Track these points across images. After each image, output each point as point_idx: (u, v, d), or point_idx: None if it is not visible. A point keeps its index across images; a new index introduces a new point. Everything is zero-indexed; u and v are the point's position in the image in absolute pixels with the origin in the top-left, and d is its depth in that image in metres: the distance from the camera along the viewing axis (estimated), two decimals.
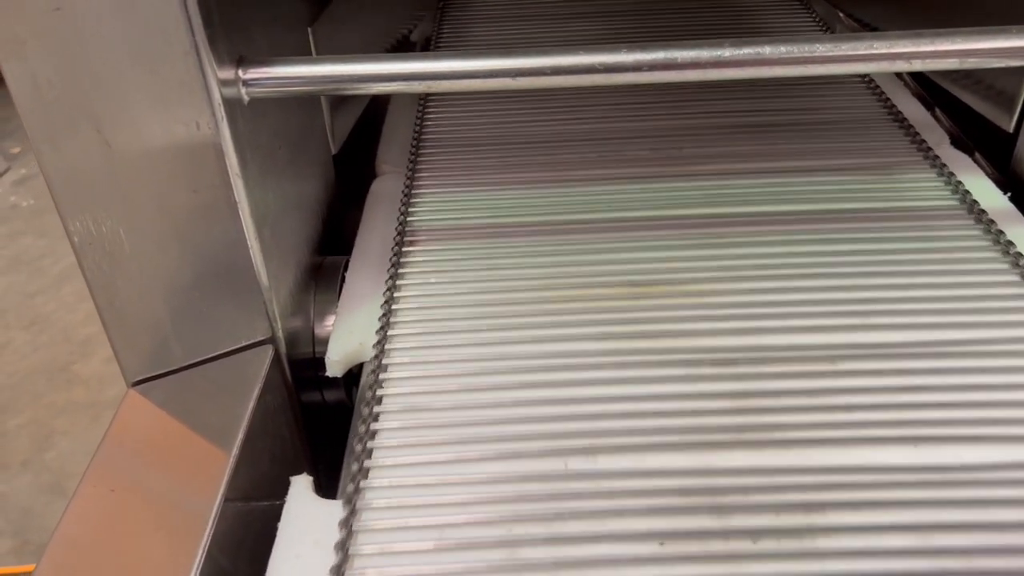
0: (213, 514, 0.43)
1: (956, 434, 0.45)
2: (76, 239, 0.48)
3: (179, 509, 0.45)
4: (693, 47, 0.46)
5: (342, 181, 0.73)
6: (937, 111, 0.87)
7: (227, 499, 0.44)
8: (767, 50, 0.45)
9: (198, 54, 0.43)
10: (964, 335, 0.51)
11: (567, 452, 0.45)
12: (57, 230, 0.48)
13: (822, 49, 0.45)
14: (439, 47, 0.88)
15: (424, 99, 0.80)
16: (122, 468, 0.48)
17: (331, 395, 0.60)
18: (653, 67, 0.46)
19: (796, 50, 0.45)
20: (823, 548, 0.40)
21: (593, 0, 0.98)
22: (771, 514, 0.41)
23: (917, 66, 0.46)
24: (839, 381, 0.48)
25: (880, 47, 0.45)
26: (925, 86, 0.87)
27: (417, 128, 0.76)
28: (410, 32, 0.91)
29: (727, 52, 0.45)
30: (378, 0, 0.80)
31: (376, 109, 0.83)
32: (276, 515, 0.45)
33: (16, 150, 2.21)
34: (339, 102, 0.70)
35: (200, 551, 0.41)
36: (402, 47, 0.91)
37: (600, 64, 0.46)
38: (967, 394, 0.47)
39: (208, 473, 0.46)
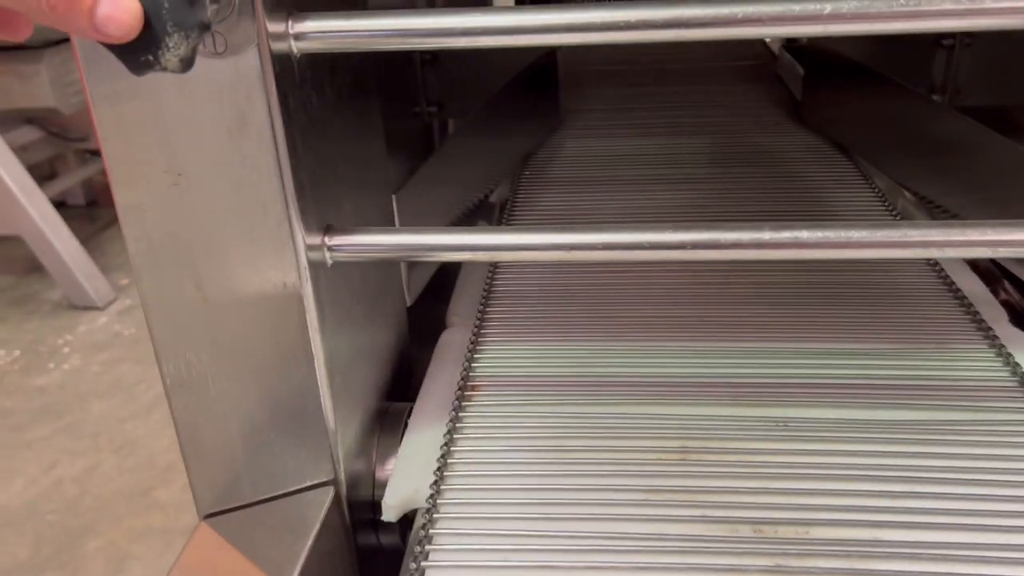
0: None
1: None
2: (168, 381, 0.53)
3: None
4: (735, 229, 0.50)
5: (414, 329, 0.77)
6: (1007, 284, 0.88)
7: None
8: (804, 235, 0.49)
9: (290, 224, 0.49)
10: (1011, 513, 0.51)
11: None
12: (152, 358, 0.53)
13: (857, 236, 0.48)
14: (513, 211, 0.95)
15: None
16: None
17: (387, 539, 0.63)
18: (696, 246, 0.50)
19: (832, 236, 0.49)
20: None
21: (664, 170, 1.04)
22: None
23: (949, 254, 0.48)
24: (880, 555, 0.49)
25: (913, 236, 0.48)
26: (995, 261, 0.88)
27: (487, 285, 0.81)
28: (488, 195, 0.98)
29: (767, 235, 0.49)
30: (459, 170, 0.88)
31: (451, 264, 0.89)
32: None
33: (124, 282, 2.38)
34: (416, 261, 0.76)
35: None
36: (481, 207, 0.98)
37: (647, 242, 0.50)
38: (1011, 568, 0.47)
39: None
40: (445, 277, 0.87)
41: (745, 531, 0.51)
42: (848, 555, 0.49)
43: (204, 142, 0.46)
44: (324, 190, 0.53)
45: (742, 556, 0.49)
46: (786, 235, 0.49)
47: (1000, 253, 0.48)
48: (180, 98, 0.45)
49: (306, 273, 0.50)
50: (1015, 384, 0.63)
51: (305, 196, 0.49)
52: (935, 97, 1.06)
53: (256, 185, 0.47)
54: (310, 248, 0.50)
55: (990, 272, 0.89)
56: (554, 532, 0.52)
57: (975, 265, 0.86)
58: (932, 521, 0.51)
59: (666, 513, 0.53)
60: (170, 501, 1.69)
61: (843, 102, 1.09)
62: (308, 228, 0.50)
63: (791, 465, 0.56)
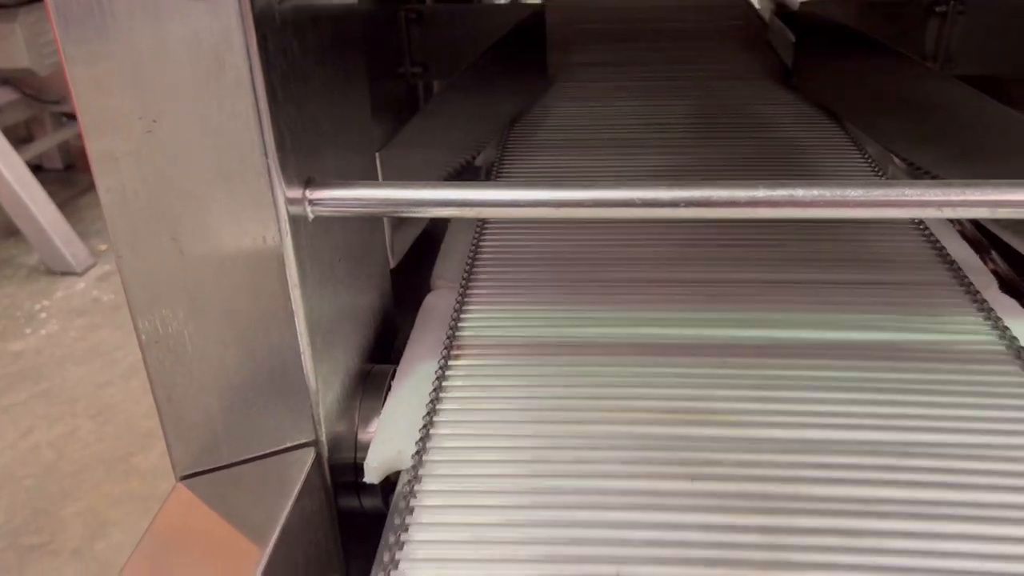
0: None
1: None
2: (144, 336, 0.51)
3: None
4: (729, 187, 0.48)
5: (398, 292, 0.76)
6: (993, 254, 0.88)
7: None
8: (800, 193, 0.47)
9: (269, 175, 0.47)
10: (997, 481, 0.51)
11: None
12: (132, 325, 0.52)
13: (853, 195, 0.47)
14: (500, 173, 0.93)
15: (482, 221, 0.84)
16: (161, 561, 0.50)
17: (369, 502, 0.62)
18: (689, 204, 0.48)
19: (828, 194, 0.47)
20: None
21: (653, 134, 1.03)
22: None
23: (948, 213, 0.47)
24: (873, 537, 0.48)
25: (910, 194, 0.47)
26: (983, 231, 0.88)
27: (474, 247, 0.80)
28: (474, 158, 0.97)
29: (761, 193, 0.48)
30: (444, 130, 0.86)
31: (437, 226, 0.87)
32: None
33: (103, 247, 2.35)
34: (401, 220, 0.75)
35: None
36: (466, 170, 0.96)
37: (639, 199, 0.49)
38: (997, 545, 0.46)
39: (240, 572, 0.48)
40: (430, 240, 0.85)
41: (733, 487, 0.50)
42: (837, 512, 0.48)
43: (180, 86, 0.44)
44: (305, 143, 0.51)
45: (731, 514, 0.49)
46: (781, 193, 0.48)
47: (999, 214, 0.47)
48: (156, 39, 0.43)
49: (286, 227, 0.48)
50: (1004, 348, 0.63)
51: (285, 147, 0.48)
52: (928, 64, 1.05)
53: (234, 132, 0.45)
54: (290, 202, 0.49)
55: (978, 241, 0.89)
56: (541, 491, 0.51)
57: (959, 229, 0.86)
58: (924, 479, 0.51)
59: (654, 470, 0.52)
60: (149, 467, 1.67)
61: (834, 68, 1.08)
62: (288, 180, 0.48)
63: (778, 414, 0.56)
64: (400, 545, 0.49)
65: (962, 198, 0.47)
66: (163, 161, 0.46)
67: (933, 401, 0.57)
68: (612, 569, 0.46)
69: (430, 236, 0.86)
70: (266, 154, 0.46)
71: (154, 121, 0.45)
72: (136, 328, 0.51)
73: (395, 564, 0.48)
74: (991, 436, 0.54)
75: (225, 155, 0.46)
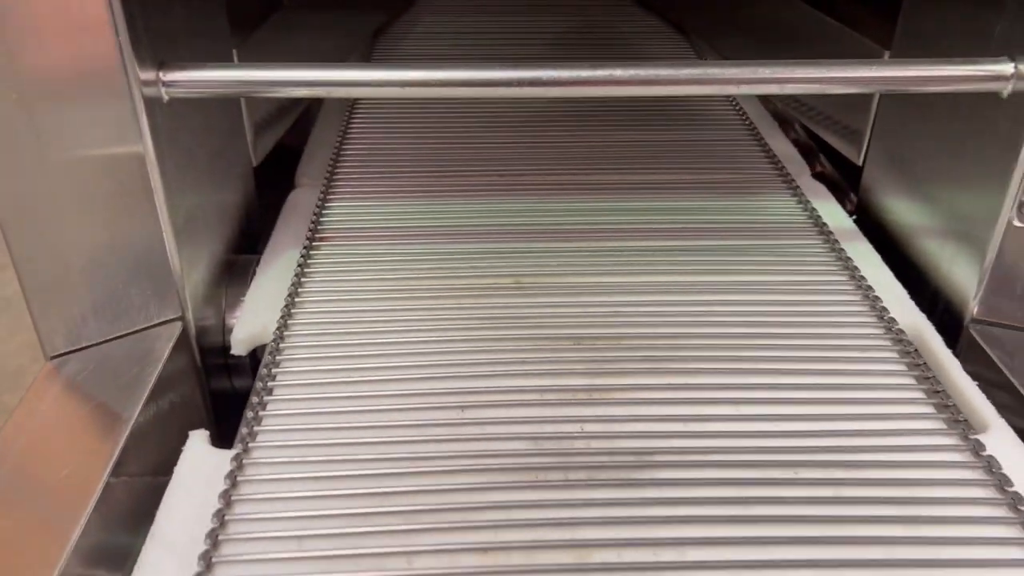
0: (102, 481, 0.46)
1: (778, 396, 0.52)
2: (4, 215, 0.52)
3: (71, 479, 0.48)
4: (557, 68, 0.54)
5: (266, 193, 0.78)
6: (821, 157, 0.97)
7: (118, 469, 0.48)
8: (618, 72, 0.53)
9: (122, 55, 0.49)
10: (800, 330, 0.59)
11: (439, 407, 0.52)
12: None
13: (665, 73, 0.53)
14: None
15: (347, 120, 0.88)
16: (29, 433, 0.52)
17: (240, 382, 0.65)
18: (522, 83, 0.54)
19: (643, 73, 0.53)
20: (651, 497, 0.46)
21: (513, 47, 1.07)
22: (607, 456, 0.48)
23: (745, 90, 0.54)
24: (679, 361, 0.56)
25: (714, 73, 0.54)
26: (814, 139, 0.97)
27: (336, 147, 0.83)
28: None
29: (585, 73, 0.53)
30: (307, 30, 0.88)
31: (303, 129, 0.89)
32: None
33: None
34: (263, 120, 0.77)
35: (81, 520, 0.44)
36: None
37: (478, 79, 0.54)
38: (787, 377, 0.55)
39: (103, 444, 0.50)
40: (296, 143, 0.88)
41: (566, 343, 0.57)
42: (655, 353, 0.56)
43: None
44: (158, 26, 0.53)
45: (565, 364, 0.55)
46: (602, 73, 0.53)
47: (787, 89, 0.54)
48: None
49: (141, 107, 0.50)
50: (811, 224, 0.71)
51: (136, 28, 0.50)
52: None
53: (82, 9, 0.47)
54: (145, 83, 0.51)
55: (807, 145, 0.98)
56: (394, 354, 0.57)
57: (793, 138, 0.95)
58: (727, 319, 0.59)
59: (501, 334, 0.58)
60: None
61: None
62: (142, 62, 0.50)
63: (606, 286, 0.63)
64: (264, 405, 0.53)
65: (755, 76, 0.53)
66: (12, 42, 0.47)
67: (741, 270, 0.65)
68: (458, 412, 0.52)
69: (297, 140, 0.88)
70: (117, 34, 0.48)
71: None
72: None
73: (259, 420, 0.52)
74: (796, 295, 0.62)
75: (76, 34, 0.48)
